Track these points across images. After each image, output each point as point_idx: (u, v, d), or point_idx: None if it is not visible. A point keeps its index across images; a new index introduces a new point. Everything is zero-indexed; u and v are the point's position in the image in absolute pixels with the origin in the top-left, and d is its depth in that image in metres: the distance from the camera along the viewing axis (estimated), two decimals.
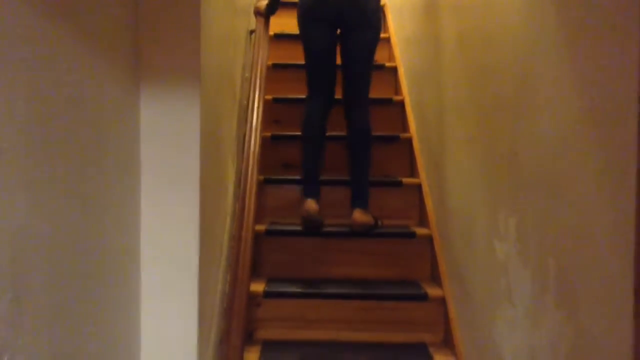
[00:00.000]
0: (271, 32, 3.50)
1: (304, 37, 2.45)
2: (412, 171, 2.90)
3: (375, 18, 2.40)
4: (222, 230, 2.10)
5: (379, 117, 3.11)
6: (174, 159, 1.44)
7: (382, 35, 3.64)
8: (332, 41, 2.42)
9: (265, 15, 2.68)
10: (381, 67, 3.36)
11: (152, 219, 1.44)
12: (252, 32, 2.88)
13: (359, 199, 2.40)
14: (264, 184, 2.68)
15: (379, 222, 2.47)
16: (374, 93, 3.09)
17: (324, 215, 2.43)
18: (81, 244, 1.08)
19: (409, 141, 2.93)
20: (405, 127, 3.10)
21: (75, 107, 1.04)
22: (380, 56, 3.60)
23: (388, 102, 3.15)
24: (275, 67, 3.33)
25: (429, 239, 2.44)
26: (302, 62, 2.54)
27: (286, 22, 3.70)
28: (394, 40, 3.53)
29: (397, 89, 3.34)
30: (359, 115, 2.44)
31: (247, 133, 2.25)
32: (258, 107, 2.43)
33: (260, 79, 2.42)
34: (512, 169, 1.52)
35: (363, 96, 2.45)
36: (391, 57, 3.55)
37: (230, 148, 2.23)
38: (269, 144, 2.92)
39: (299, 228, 2.43)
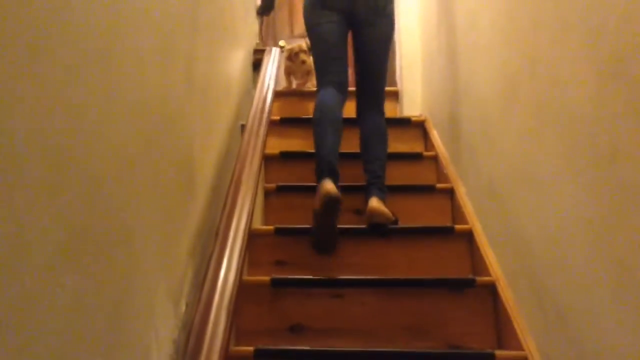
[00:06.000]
0: (276, 151, 2.61)
1: (311, 27, 2.28)
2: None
3: (389, 8, 2.27)
4: None
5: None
6: None
7: (427, 153, 2.73)
8: (343, 32, 2.25)
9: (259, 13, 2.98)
10: (432, 188, 2.39)
11: None
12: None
13: (376, 188, 2.08)
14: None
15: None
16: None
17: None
18: None
19: None
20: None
21: None
22: (425, 177, 2.64)
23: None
24: (280, 190, 2.37)
25: None
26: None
27: (293, 143, 2.81)
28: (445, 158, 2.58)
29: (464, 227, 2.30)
30: (374, 114, 2.25)
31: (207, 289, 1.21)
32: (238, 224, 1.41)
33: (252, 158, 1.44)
34: None
35: (380, 95, 2.30)
36: (440, 178, 2.58)
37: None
38: (268, 294, 1.83)
39: None
